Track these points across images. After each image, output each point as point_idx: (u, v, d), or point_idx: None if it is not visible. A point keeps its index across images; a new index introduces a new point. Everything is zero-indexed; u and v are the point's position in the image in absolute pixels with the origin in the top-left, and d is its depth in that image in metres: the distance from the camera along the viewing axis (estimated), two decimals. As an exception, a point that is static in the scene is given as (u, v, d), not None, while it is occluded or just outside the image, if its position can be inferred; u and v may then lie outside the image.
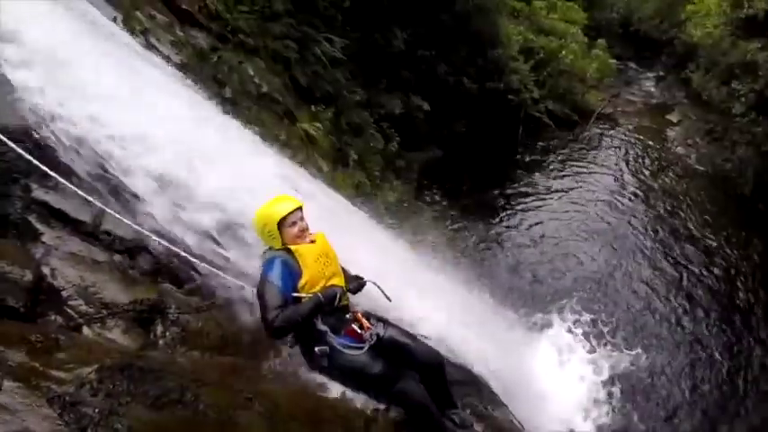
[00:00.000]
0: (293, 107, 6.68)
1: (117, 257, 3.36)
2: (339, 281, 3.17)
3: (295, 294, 2.94)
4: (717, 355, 7.51)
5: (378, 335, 3.14)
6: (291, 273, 2.95)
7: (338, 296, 3.03)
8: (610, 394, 6.92)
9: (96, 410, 2.14)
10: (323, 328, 3.03)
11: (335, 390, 3.27)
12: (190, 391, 2.48)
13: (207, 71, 5.93)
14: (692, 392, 7.01)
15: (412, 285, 5.17)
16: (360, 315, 3.18)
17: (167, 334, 3.09)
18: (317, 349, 3.04)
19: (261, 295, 2.87)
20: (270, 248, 3.11)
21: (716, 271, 9.07)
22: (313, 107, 7.08)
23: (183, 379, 2.54)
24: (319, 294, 2.96)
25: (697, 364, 7.40)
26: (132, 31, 5.25)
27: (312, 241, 3.13)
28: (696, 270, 9.12)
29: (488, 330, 6.19)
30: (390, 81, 9.45)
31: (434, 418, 3.19)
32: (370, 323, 3.18)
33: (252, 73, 6.43)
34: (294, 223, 3.05)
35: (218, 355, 3.14)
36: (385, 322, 3.31)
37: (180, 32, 6.00)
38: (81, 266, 3.18)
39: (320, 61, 7.49)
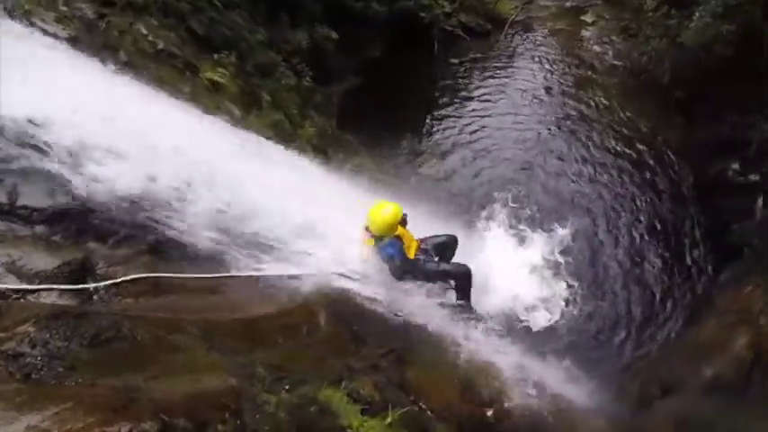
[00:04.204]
0: (193, 58, 6.63)
1: (38, 228, 3.56)
2: (416, 243, 5.38)
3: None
4: (650, 219, 8.55)
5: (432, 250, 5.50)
6: (400, 247, 5.03)
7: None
8: (558, 272, 7.48)
9: (38, 358, 2.43)
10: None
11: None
12: (124, 326, 2.79)
13: (97, 40, 5.84)
14: (633, 252, 8.03)
15: (345, 208, 5.72)
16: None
17: (99, 289, 3.37)
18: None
19: (391, 264, 5.01)
20: (381, 237, 4.96)
21: (640, 149, 9.95)
22: (215, 55, 6.99)
23: (117, 317, 2.85)
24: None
25: (634, 228, 8.42)
26: (13, 17, 5.16)
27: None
28: (622, 151, 9.98)
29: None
30: (293, 16, 9.29)
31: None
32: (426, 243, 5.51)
33: (145, 32, 6.33)
34: (405, 218, 5.12)
35: (152, 298, 3.45)
36: (423, 240, 5.53)
37: (63, 7, 5.85)
38: (4, 244, 3.38)
39: (214, 7, 7.35)
